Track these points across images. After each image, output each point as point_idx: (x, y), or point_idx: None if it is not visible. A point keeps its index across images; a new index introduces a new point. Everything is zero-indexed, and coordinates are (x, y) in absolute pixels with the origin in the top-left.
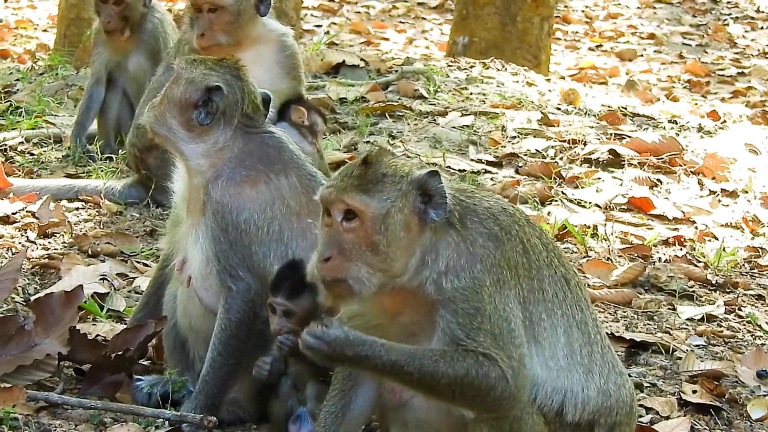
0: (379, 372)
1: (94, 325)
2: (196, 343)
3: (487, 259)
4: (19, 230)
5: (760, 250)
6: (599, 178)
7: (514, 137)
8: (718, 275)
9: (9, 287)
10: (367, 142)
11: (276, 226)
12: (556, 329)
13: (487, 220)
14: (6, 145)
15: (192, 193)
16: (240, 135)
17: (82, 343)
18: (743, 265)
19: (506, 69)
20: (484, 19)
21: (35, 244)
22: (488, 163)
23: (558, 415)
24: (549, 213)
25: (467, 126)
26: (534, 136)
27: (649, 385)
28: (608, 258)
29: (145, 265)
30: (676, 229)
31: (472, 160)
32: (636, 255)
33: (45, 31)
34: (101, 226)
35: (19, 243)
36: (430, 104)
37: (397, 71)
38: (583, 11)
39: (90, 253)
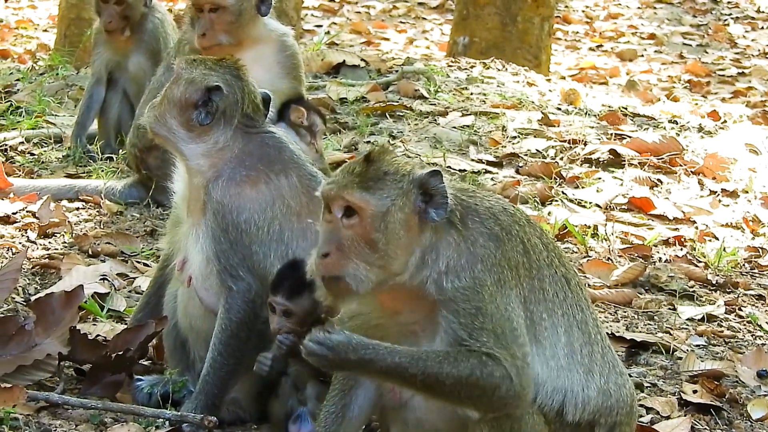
0: (384, 375)
1: (94, 325)
2: (196, 343)
3: (487, 258)
4: (20, 230)
5: (760, 250)
6: (600, 178)
7: (515, 137)
8: (718, 275)
9: (9, 287)
10: (368, 142)
11: (276, 226)
12: (556, 329)
13: (488, 220)
14: (6, 145)
15: (192, 193)
16: (240, 135)
17: (82, 343)
18: (743, 265)
19: (507, 69)
20: (484, 19)
21: (36, 244)
22: (489, 163)
23: (558, 414)
24: (549, 213)
25: (468, 126)
26: (534, 136)
27: (649, 385)
28: (608, 258)
29: (146, 265)
30: (676, 229)
31: (472, 160)
32: (636, 255)
33: (45, 31)
34: (101, 226)
35: (20, 243)
36: (431, 104)
37: (397, 71)
38: (583, 11)
39: (90, 253)
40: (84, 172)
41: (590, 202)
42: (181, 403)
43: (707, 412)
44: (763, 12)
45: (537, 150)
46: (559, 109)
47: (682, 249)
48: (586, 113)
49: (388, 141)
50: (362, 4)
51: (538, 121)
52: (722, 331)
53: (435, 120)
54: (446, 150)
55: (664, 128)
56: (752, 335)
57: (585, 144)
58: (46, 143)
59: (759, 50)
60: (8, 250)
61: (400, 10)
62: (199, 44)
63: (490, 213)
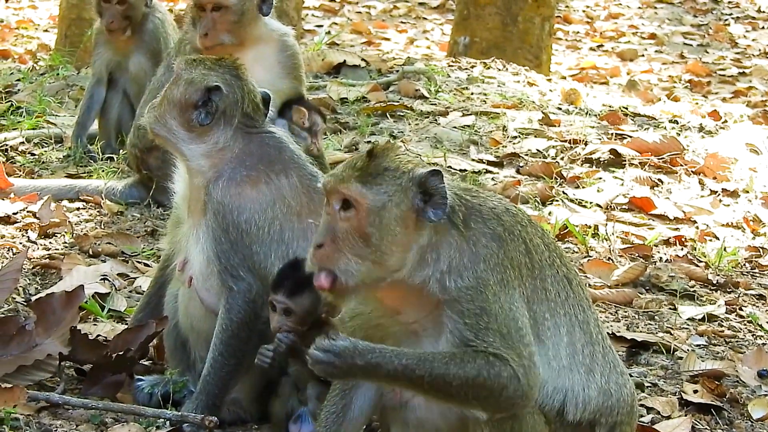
0: (392, 379)
1: (95, 325)
2: (197, 343)
3: (490, 258)
4: (20, 230)
5: (760, 250)
6: (600, 178)
7: (515, 137)
8: (719, 275)
9: (10, 287)
10: (368, 142)
11: (277, 226)
12: (559, 329)
13: (491, 220)
14: (7, 145)
15: (193, 193)
16: (240, 135)
17: (83, 343)
18: (744, 264)
19: (507, 69)
20: (485, 19)
21: (36, 244)
22: (489, 163)
23: (559, 414)
24: (550, 213)
25: (468, 126)
26: (535, 136)
27: (650, 384)
28: (609, 258)
29: (146, 265)
30: (677, 228)
31: (473, 160)
32: (637, 255)
33: (46, 31)
34: (102, 227)
35: (20, 243)
36: (431, 104)
37: (398, 71)
38: (584, 11)
39: (91, 253)
40: (84, 173)
41: (591, 202)
42: (182, 403)
43: (708, 412)
44: (763, 12)
45: (537, 150)
46: (560, 109)
47: (682, 249)
48: (586, 113)
49: (389, 141)
50: (363, 4)
51: (539, 121)
52: (723, 331)
53: (436, 120)
54: (447, 150)
55: (665, 128)
56: (753, 335)
57: (585, 144)
58: (46, 143)
59: (759, 50)
60: (9, 250)
61: (400, 10)
62: (201, 44)
63: (493, 213)
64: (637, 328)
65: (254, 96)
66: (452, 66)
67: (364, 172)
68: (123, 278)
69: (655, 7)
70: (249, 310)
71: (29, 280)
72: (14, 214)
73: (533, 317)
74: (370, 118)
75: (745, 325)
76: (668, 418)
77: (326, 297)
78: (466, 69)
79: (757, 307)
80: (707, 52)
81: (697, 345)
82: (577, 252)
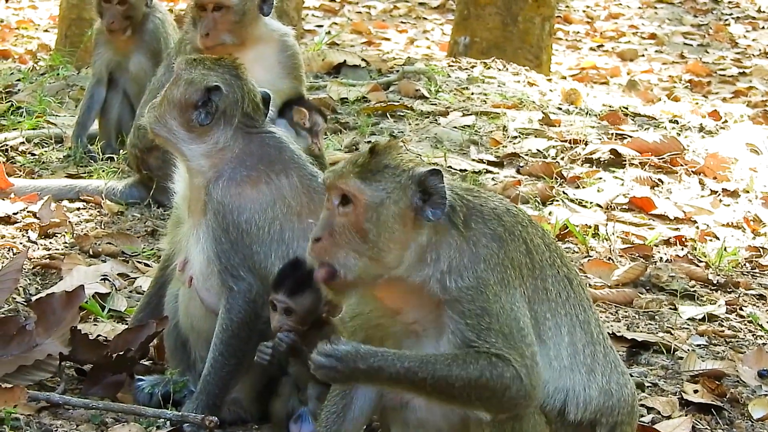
0: (394, 382)
1: (95, 325)
2: (197, 343)
3: (490, 258)
4: (21, 230)
5: (761, 250)
6: (600, 178)
7: (516, 137)
8: (719, 275)
9: (10, 287)
10: (368, 142)
11: (277, 226)
12: (560, 329)
13: (492, 221)
14: (7, 145)
15: (193, 193)
16: (240, 135)
17: (83, 343)
18: (744, 264)
19: (507, 69)
20: (485, 19)
21: (36, 244)
22: (489, 163)
23: (560, 414)
24: (550, 213)
25: (468, 126)
26: (535, 136)
27: (650, 384)
28: (609, 258)
29: (147, 265)
30: (677, 228)
31: (473, 160)
32: (637, 255)
33: (46, 31)
34: (102, 227)
35: (21, 243)
36: (432, 104)
37: (398, 71)
38: (584, 11)
39: (91, 253)
40: (85, 173)
41: (591, 202)
42: (182, 403)
43: (708, 412)
44: (763, 12)
45: (538, 150)
46: (560, 108)
47: (682, 249)
48: (586, 113)
49: (391, 139)
50: (363, 4)
51: (539, 120)
52: (723, 331)
53: (436, 120)
54: (447, 150)
55: (665, 128)
56: (753, 335)
57: (586, 144)
58: (46, 143)
59: (760, 50)
60: (9, 250)
61: (400, 10)
62: (202, 44)
63: (494, 214)
64: (638, 328)
65: (254, 96)
66: (452, 66)
67: (364, 168)
68: (123, 278)
69: (656, 7)
70: (249, 310)
71: (29, 280)
72: (14, 214)
73: (534, 317)
74: (370, 118)
75: (745, 325)
76: (669, 418)
77: (325, 291)
78: (467, 69)
79: (758, 307)
80: (707, 52)
81: (698, 345)
82: (577, 252)
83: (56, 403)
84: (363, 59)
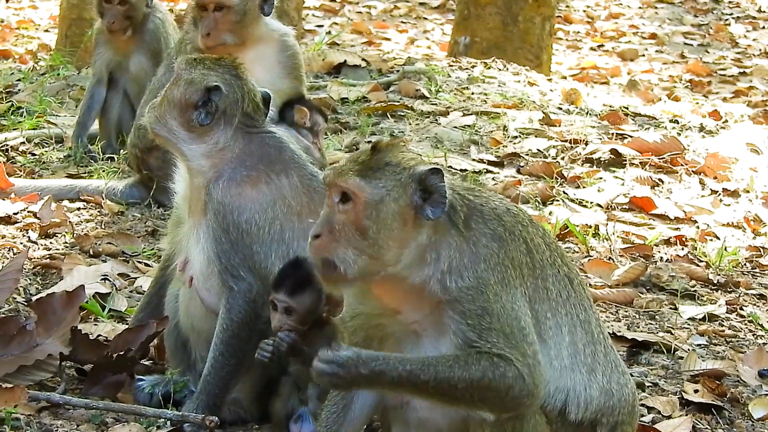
0: (397, 386)
1: (95, 325)
2: (197, 343)
3: (490, 258)
4: (21, 230)
5: (761, 250)
6: (601, 178)
7: (516, 137)
8: (719, 275)
9: (10, 287)
10: (369, 142)
11: (277, 226)
12: (560, 328)
13: (492, 221)
14: (7, 145)
15: (193, 193)
16: (241, 135)
17: (83, 343)
18: (745, 264)
19: (508, 69)
20: (485, 19)
21: (37, 244)
22: (490, 162)
23: (561, 414)
24: (550, 213)
25: (469, 126)
26: (535, 136)
27: (650, 384)
28: (610, 258)
29: (147, 265)
30: (677, 228)
31: (473, 159)
32: (637, 254)
33: (46, 31)
34: (103, 227)
35: (21, 243)
36: (432, 104)
37: (398, 71)
38: (584, 11)
39: (91, 253)
40: (85, 173)
41: (591, 202)
42: (183, 403)
43: (708, 412)
44: (764, 12)
45: (538, 150)
46: (560, 108)
47: (683, 248)
48: (587, 113)
49: (392, 138)
50: (363, 4)
51: (539, 120)
52: (723, 331)
53: (436, 120)
54: (447, 150)
55: (665, 128)
56: (753, 335)
57: (586, 144)
58: (47, 143)
59: (760, 50)
60: (9, 250)
61: (401, 10)
62: (203, 44)
63: (494, 214)
64: (638, 327)
65: (254, 95)
66: (453, 66)
67: (364, 165)
68: (123, 278)
69: (656, 7)
70: (249, 310)
71: (30, 280)
72: (15, 214)
73: (535, 316)
74: (370, 118)
75: (745, 324)
76: (669, 417)
77: (323, 284)
78: (467, 69)
79: (758, 306)
80: (708, 52)
81: (698, 345)
82: (577, 252)
83: (57, 403)
84: (363, 59)
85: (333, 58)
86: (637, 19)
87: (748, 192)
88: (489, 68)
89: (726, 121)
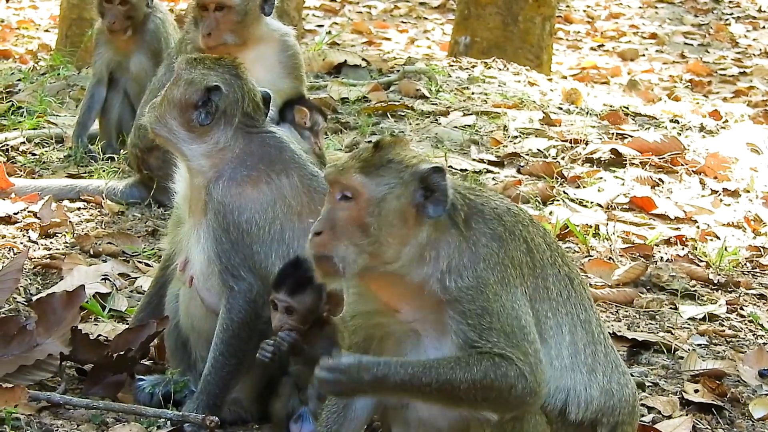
0: (400, 390)
1: (95, 325)
2: (198, 343)
3: (490, 258)
4: (21, 230)
5: (761, 250)
6: (601, 178)
7: (516, 137)
8: (719, 275)
9: (11, 287)
10: (369, 142)
11: (278, 225)
12: (561, 328)
13: (492, 220)
14: (8, 145)
15: (193, 193)
16: (241, 135)
17: (83, 343)
18: (745, 264)
19: (508, 69)
20: (485, 19)
21: (37, 244)
22: (490, 162)
23: (561, 414)
24: (551, 212)
25: (469, 126)
26: (536, 136)
27: (651, 384)
28: (610, 257)
29: (147, 265)
30: (677, 228)
31: (473, 159)
32: (638, 254)
33: (47, 31)
34: (103, 226)
35: (21, 243)
36: (432, 104)
37: (398, 71)
38: (584, 11)
39: (92, 253)
40: (85, 172)
41: (591, 202)
42: (183, 403)
43: (709, 412)
44: (764, 11)
45: (538, 149)
46: (561, 108)
47: (683, 248)
48: (587, 113)
49: (395, 135)
50: (363, 4)
51: (540, 120)
52: (724, 331)
53: (436, 120)
54: (448, 150)
55: (666, 128)
56: (754, 335)
57: (586, 143)
58: (47, 143)
59: (760, 50)
60: (10, 250)
61: (401, 10)
62: (204, 44)
63: (495, 214)
64: (638, 327)
65: (254, 95)
66: (453, 66)
67: (367, 163)
68: (124, 278)
69: (656, 7)
70: (250, 310)
71: (30, 280)
72: (15, 214)
73: (535, 316)
74: (370, 118)
75: (746, 324)
76: (669, 417)
77: (321, 277)
78: (467, 69)
79: (758, 306)
80: (708, 52)
81: (698, 344)
82: (578, 252)
83: (57, 403)
84: (363, 59)
85: (333, 57)
86: (637, 19)
87: (749, 192)
88: (489, 68)
89: (726, 120)
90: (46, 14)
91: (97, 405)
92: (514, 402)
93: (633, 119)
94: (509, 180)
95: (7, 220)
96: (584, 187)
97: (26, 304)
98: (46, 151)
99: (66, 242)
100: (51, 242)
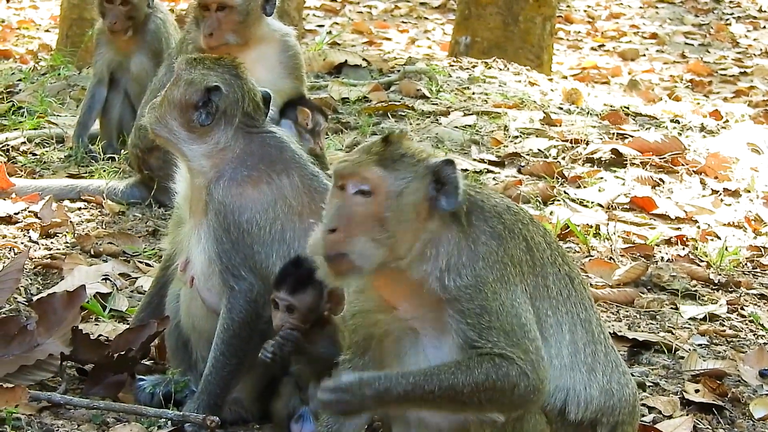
0: (404, 401)
1: (96, 325)
2: (198, 343)
3: (489, 256)
4: (22, 230)
5: (762, 250)
6: (602, 178)
7: (517, 137)
8: (720, 274)
9: (11, 287)
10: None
11: (278, 225)
12: (561, 327)
13: (492, 218)
14: (8, 145)
15: (194, 193)
16: (241, 135)
17: (84, 343)
18: (745, 264)
19: (508, 69)
20: (486, 19)
21: (38, 244)
22: (491, 162)
23: (561, 414)
24: (551, 213)
25: (470, 126)
26: (536, 136)
27: (651, 384)
28: (611, 257)
29: (148, 265)
30: (678, 228)
31: (474, 159)
32: (638, 254)
33: (47, 31)
34: (103, 226)
35: (22, 243)
36: (433, 104)
37: (399, 71)
38: (585, 11)
39: (92, 253)
40: (86, 173)
41: (592, 202)
42: (184, 403)
43: (709, 412)
44: (765, 11)
45: (539, 149)
46: (561, 108)
47: (684, 248)
48: (588, 113)
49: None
50: (364, 4)
51: (540, 120)
52: (724, 331)
53: (437, 120)
54: (448, 150)
55: (666, 128)
56: (754, 334)
57: (587, 143)
58: (47, 143)
59: (761, 50)
60: (10, 250)
61: (401, 10)
62: (206, 44)
63: (495, 211)
64: (639, 327)
65: (254, 95)
66: (453, 66)
67: (383, 156)
68: (124, 278)
69: (657, 7)
70: (250, 310)
71: (31, 280)
72: (16, 214)
73: (536, 314)
74: (371, 118)
75: (746, 324)
76: (670, 417)
77: (333, 279)
78: (468, 69)
79: (759, 306)
80: (708, 52)
81: (699, 344)
82: (578, 252)
83: (57, 403)
84: (364, 59)
85: (334, 57)
86: (637, 19)
87: (749, 192)
88: (490, 68)
89: (727, 120)
90: (47, 14)
91: (97, 405)
92: (518, 401)
93: (633, 119)
94: (510, 180)
95: (8, 220)
96: (585, 187)
97: (27, 304)
98: (46, 151)
99: (67, 242)
100: (52, 242)
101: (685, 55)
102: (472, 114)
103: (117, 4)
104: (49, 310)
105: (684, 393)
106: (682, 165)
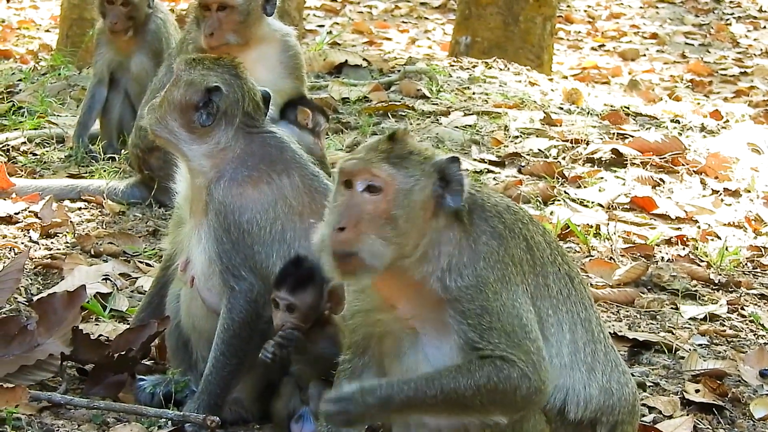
0: (406, 408)
1: (96, 325)
2: (199, 343)
3: (490, 256)
4: (22, 230)
5: (762, 250)
6: (602, 178)
7: (517, 137)
8: (720, 274)
9: (12, 287)
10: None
11: (278, 226)
12: (561, 326)
13: (493, 218)
14: (9, 145)
15: (194, 193)
16: (242, 135)
17: (84, 343)
18: (746, 264)
19: (509, 69)
20: (486, 19)
21: (38, 244)
22: (491, 162)
23: (560, 413)
24: (552, 212)
25: (470, 126)
26: (537, 136)
27: (651, 384)
28: (611, 257)
29: (148, 265)
30: (678, 228)
31: (474, 159)
32: (639, 254)
33: (47, 31)
34: (104, 226)
35: (22, 243)
36: (433, 104)
37: (399, 71)
38: (585, 11)
39: (93, 253)
40: (86, 172)
41: (592, 202)
42: (184, 403)
43: (710, 412)
44: (765, 11)
45: (539, 149)
46: (562, 108)
47: (684, 248)
48: (588, 113)
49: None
50: (364, 4)
51: (541, 120)
52: (725, 331)
53: (437, 120)
54: (448, 150)
55: (667, 128)
56: (754, 334)
57: (587, 143)
58: (48, 143)
59: (761, 50)
60: (11, 250)
61: (402, 10)
62: (207, 44)
63: (495, 211)
64: (639, 327)
65: (254, 95)
66: (454, 66)
67: (391, 154)
68: (125, 278)
69: (657, 7)
70: (251, 310)
71: (31, 280)
72: (16, 214)
73: (537, 313)
74: (371, 118)
75: (746, 324)
76: (670, 417)
77: (341, 277)
78: (468, 69)
79: (759, 306)
80: (709, 52)
81: (699, 344)
82: (578, 252)
83: (58, 402)
84: (364, 59)
85: (334, 57)
86: (638, 19)
87: (749, 192)
88: (490, 68)
89: (727, 120)
90: (47, 14)
91: (98, 405)
92: (520, 403)
93: (634, 119)
94: (510, 180)
95: (8, 220)
96: (585, 187)
97: (27, 304)
98: (46, 151)
99: (67, 242)
100: (52, 242)
101: (686, 55)
102: (472, 114)
103: (118, 5)
104: (50, 310)
105: (684, 393)
106: (683, 165)
